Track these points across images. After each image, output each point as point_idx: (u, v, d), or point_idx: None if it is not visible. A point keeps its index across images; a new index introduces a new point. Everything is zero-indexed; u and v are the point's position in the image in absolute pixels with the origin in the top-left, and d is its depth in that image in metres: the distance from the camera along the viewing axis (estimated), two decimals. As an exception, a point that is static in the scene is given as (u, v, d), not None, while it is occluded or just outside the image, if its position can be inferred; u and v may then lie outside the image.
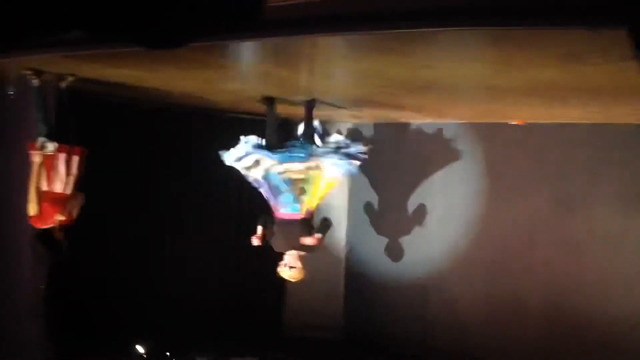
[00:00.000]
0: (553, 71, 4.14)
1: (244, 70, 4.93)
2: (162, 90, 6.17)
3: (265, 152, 5.88)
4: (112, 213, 6.91)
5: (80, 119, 5.85)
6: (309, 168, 5.86)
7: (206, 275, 7.95)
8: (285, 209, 5.90)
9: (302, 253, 5.88)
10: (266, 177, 5.88)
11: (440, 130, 7.95)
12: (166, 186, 7.56)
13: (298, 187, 5.86)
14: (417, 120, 8.02)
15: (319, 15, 3.00)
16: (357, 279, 8.55)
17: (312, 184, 5.89)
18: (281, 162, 5.83)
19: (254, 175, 5.95)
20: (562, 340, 7.03)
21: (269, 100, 6.07)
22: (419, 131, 8.10)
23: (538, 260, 7.32)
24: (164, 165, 7.54)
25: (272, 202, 5.97)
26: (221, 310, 8.06)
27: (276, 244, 5.94)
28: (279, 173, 5.84)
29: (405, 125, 8.16)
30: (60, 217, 5.49)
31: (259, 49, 3.96)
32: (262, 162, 5.88)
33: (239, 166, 5.98)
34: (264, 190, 5.99)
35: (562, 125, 7.11)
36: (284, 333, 8.68)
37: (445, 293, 7.88)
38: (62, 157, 5.58)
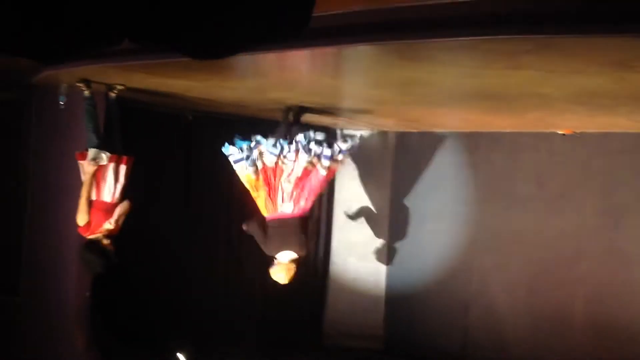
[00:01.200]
0: (600, 79, 4.08)
1: (289, 79, 4.96)
2: (207, 99, 6.24)
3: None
4: (156, 221, 6.99)
5: (127, 127, 5.95)
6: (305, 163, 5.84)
7: (248, 283, 7.98)
8: (282, 208, 5.85)
9: (295, 256, 5.80)
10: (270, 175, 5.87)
11: (486, 139, 7.88)
12: (210, 194, 7.62)
13: (296, 184, 5.84)
14: (459, 129, 7.96)
15: (365, 23, 3.01)
16: (398, 288, 8.50)
17: (306, 180, 5.87)
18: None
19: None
20: (606, 354, 6.87)
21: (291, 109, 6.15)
22: (462, 140, 8.04)
23: (583, 271, 7.18)
24: (208, 173, 7.60)
25: (268, 203, 5.89)
26: (261, 318, 8.08)
27: (270, 247, 5.84)
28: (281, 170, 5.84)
29: (448, 135, 8.11)
30: (108, 226, 5.58)
31: (305, 57, 3.98)
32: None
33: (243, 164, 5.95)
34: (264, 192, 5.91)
35: (609, 134, 6.99)
36: (323, 342, 8.67)
37: (487, 304, 7.78)
38: (111, 166, 5.68)
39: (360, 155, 8.23)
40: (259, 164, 5.85)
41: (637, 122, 6.14)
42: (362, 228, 8.65)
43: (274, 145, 5.79)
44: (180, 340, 7.14)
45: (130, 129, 6.10)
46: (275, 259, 5.81)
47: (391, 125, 7.93)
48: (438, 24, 2.92)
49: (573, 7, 2.63)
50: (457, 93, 5.08)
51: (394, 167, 8.56)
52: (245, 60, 3.99)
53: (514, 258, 7.60)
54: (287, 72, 4.66)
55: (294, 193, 5.83)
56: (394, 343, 8.46)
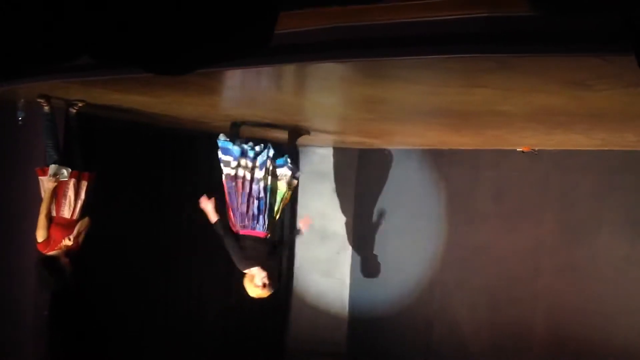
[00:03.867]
0: (558, 97, 4.15)
1: (250, 95, 4.95)
2: (168, 115, 6.21)
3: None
4: (118, 237, 6.91)
5: (88, 143, 5.88)
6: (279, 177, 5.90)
7: (211, 300, 7.91)
8: (260, 225, 5.82)
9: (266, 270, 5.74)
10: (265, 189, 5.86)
11: (447, 156, 7.96)
12: (172, 210, 7.55)
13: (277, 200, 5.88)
14: (421, 146, 8.04)
15: (327, 41, 3.02)
16: (361, 305, 8.51)
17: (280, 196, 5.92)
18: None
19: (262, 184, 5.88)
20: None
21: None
22: (424, 157, 8.11)
23: (542, 287, 7.28)
24: (171, 189, 7.54)
25: (246, 218, 5.85)
26: (223, 334, 8.01)
27: (245, 262, 5.77)
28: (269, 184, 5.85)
29: (410, 151, 8.17)
30: (67, 242, 5.50)
31: (265, 75, 3.98)
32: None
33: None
34: (256, 205, 5.85)
35: (566, 152, 7.12)
36: (286, 358, 8.63)
37: (449, 320, 7.83)
38: (71, 182, 5.60)
39: (324, 172, 8.26)
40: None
41: (594, 139, 6.26)
42: (325, 244, 8.66)
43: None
44: (141, 357, 7.07)
45: (92, 143, 6.04)
46: (256, 272, 5.74)
47: (354, 141, 7.96)
48: (400, 42, 2.94)
49: (531, 26, 2.67)
50: (419, 110, 5.12)
51: (357, 184, 8.59)
52: (205, 77, 3.97)
53: (475, 274, 7.67)
54: (248, 89, 4.65)
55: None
56: (358, 357, 8.45)
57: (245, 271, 5.76)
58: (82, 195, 5.67)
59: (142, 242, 7.26)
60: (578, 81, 3.61)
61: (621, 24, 1.91)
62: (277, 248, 6.15)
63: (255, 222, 5.82)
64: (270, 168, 5.88)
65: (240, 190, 5.84)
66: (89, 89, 4.89)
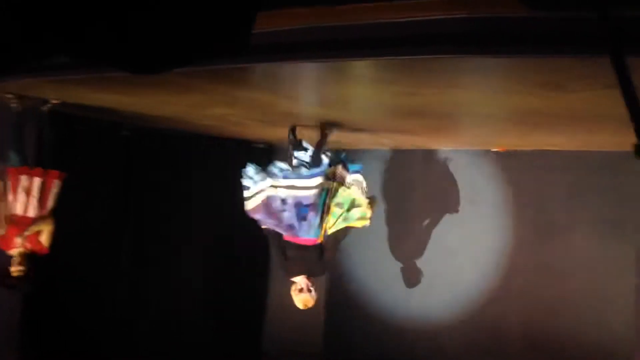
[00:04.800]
0: (534, 99, 4.19)
1: (229, 95, 4.93)
2: (146, 114, 6.16)
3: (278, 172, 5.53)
4: (90, 238, 6.85)
5: (60, 142, 5.81)
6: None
7: (186, 300, 7.86)
8: (306, 233, 5.51)
9: (312, 279, 5.54)
10: (292, 200, 5.50)
11: (418, 157, 7.99)
12: (147, 209, 7.50)
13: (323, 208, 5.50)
14: (395, 147, 8.05)
15: (304, 41, 3.02)
16: (337, 304, 8.51)
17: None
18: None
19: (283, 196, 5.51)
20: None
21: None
22: (395, 158, 8.13)
23: (517, 285, 7.34)
24: (146, 188, 7.48)
25: (288, 228, 5.54)
26: (198, 335, 7.96)
27: (292, 270, 5.55)
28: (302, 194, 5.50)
29: (385, 152, 8.18)
30: (19, 240, 5.42)
31: (244, 74, 3.97)
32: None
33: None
34: (287, 215, 5.52)
35: (541, 152, 7.18)
36: (262, 358, 8.60)
37: (424, 320, 7.85)
38: (37, 181, 5.52)
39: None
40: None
41: (570, 140, 6.33)
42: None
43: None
44: (114, 356, 7.02)
45: (64, 143, 5.97)
46: (298, 280, 5.51)
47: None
48: (376, 43, 2.95)
49: (507, 28, 2.69)
50: (394, 111, 5.13)
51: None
52: (183, 76, 3.95)
53: (450, 273, 7.70)
54: (226, 88, 4.63)
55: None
56: (334, 359, 8.46)
57: (291, 279, 5.57)
58: (50, 195, 5.58)
59: (116, 241, 7.20)
60: (554, 82, 3.64)
61: (596, 24, 1.92)
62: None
63: (298, 229, 5.53)
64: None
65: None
66: (63, 87, 4.83)
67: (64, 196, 5.72)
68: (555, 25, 2.62)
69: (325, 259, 5.62)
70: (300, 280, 5.48)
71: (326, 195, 5.50)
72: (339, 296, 8.47)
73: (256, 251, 8.45)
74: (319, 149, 5.70)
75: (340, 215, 5.57)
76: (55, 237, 5.64)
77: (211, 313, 8.12)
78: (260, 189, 5.52)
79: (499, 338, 7.37)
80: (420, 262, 7.90)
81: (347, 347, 8.31)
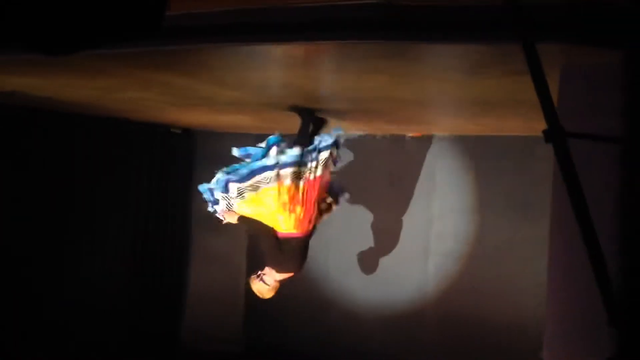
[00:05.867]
0: (450, 85, 4.26)
1: (144, 78, 4.81)
2: (55, 99, 5.96)
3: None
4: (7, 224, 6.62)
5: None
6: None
7: (103, 287, 7.67)
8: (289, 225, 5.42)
9: (285, 276, 5.49)
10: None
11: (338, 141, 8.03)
12: (62, 195, 7.27)
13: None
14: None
15: (219, 24, 2.98)
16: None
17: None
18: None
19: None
20: (456, 346, 7.24)
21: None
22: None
23: (432, 267, 7.53)
24: (59, 175, 7.25)
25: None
26: (115, 322, 7.80)
27: (288, 266, 5.48)
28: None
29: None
30: None
31: (158, 57, 3.88)
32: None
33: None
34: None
35: (455, 137, 7.36)
36: (180, 346, 8.52)
37: (344, 302, 7.95)
38: None
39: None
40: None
41: (482, 125, 6.48)
42: (222, 233, 8.55)
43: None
44: (34, 350, 6.82)
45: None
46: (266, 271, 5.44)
47: (249, 126, 7.90)
48: (296, 27, 2.94)
49: (421, 14, 2.72)
50: (318, 95, 5.13)
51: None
52: (94, 58, 3.83)
53: (368, 256, 7.80)
54: (141, 72, 4.52)
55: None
56: (254, 345, 8.45)
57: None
58: None
59: (33, 227, 6.97)
60: (466, 68, 3.71)
61: (505, 9, 1.96)
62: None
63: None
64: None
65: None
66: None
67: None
68: (466, 13, 2.67)
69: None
70: (270, 275, 5.44)
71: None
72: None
73: (176, 241, 8.36)
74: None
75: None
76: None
77: (127, 299, 7.95)
78: (227, 199, 5.43)
79: (416, 319, 7.54)
80: (339, 245, 7.98)
81: (268, 333, 8.32)
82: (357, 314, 7.86)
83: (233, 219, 5.57)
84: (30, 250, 6.96)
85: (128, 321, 7.89)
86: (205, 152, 8.37)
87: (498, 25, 2.51)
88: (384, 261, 7.74)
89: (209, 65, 4.18)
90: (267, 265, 5.47)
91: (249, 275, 8.30)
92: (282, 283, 5.54)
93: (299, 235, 5.45)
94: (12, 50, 3.13)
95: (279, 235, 5.41)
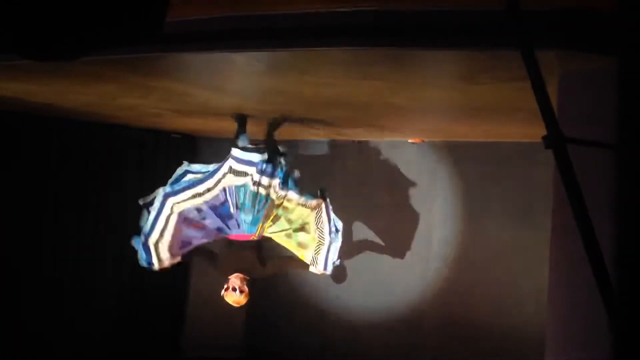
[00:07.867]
0: (447, 91, 4.25)
1: (143, 85, 4.81)
2: (55, 105, 5.96)
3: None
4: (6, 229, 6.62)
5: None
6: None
7: (102, 296, 7.66)
8: (236, 229, 5.56)
9: (247, 277, 5.55)
10: (205, 206, 5.52)
11: (337, 147, 8.04)
12: (59, 203, 7.26)
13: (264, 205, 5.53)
14: (317, 137, 8.07)
15: (221, 30, 2.97)
16: (257, 297, 8.46)
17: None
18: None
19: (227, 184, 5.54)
20: (457, 352, 7.21)
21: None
22: (318, 148, 8.16)
23: (433, 272, 7.50)
24: (58, 181, 7.24)
25: (217, 231, 5.59)
26: (117, 332, 7.78)
27: (224, 267, 5.59)
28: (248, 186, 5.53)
29: (306, 142, 8.19)
30: None
31: (157, 63, 3.88)
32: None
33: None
34: (209, 221, 5.56)
35: (455, 143, 7.35)
36: (182, 354, 8.50)
37: (343, 308, 7.93)
38: None
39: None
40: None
41: (481, 131, 6.47)
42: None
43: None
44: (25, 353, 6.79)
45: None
46: (230, 279, 5.52)
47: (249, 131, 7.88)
48: (292, 34, 2.93)
49: (415, 20, 2.72)
50: (315, 102, 5.13)
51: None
52: (91, 64, 3.82)
53: (367, 263, 7.79)
54: (138, 78, 4.51)
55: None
56: (254, 353, 8.43)
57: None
58: None
59: (20, 237, 6.95)
60: (465, 75, 3.71)
61: (504, 16, 1.95)
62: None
63: (229, 227, 5.58)
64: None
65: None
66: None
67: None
68: (465, 19, 2.66)
69: (266, 271, 5.73)
70: (234, 279, 5.47)
71: (247, 192, 5.50)
72: (259, 289, 8.44)
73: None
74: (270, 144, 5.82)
75: (287, 230, 5.69)
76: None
77: (128, 308, 7.93)
78: (166, 214, 5.50)
79: (416, 326, 7.50)
80: (340, 252, 7.96)
81: (268, 339, 8.30)
82: (358, 321, 7.84)
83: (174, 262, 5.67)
84: (29, 256, 6.94)
85: (128, 329, 7.86)
86: (205, 158, 8.33)
87: (494, 31, 2.51)
88: (384, 268, 7.73)
89: (207, 71, 4.18)
90: (220, 273, 5.59)
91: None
92: (250, 285, 5.61)
93: (233, 237, 5.60)
94: (10, 56, 3.12)
95: (229, 237, 5.60)
